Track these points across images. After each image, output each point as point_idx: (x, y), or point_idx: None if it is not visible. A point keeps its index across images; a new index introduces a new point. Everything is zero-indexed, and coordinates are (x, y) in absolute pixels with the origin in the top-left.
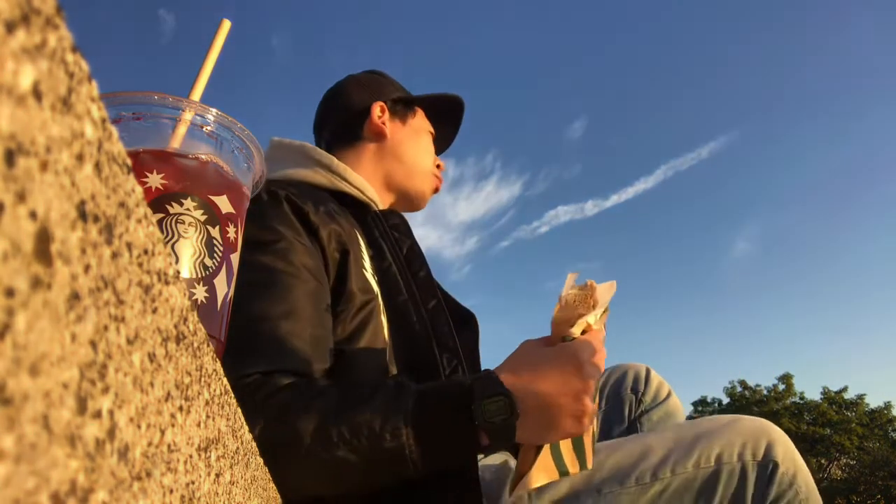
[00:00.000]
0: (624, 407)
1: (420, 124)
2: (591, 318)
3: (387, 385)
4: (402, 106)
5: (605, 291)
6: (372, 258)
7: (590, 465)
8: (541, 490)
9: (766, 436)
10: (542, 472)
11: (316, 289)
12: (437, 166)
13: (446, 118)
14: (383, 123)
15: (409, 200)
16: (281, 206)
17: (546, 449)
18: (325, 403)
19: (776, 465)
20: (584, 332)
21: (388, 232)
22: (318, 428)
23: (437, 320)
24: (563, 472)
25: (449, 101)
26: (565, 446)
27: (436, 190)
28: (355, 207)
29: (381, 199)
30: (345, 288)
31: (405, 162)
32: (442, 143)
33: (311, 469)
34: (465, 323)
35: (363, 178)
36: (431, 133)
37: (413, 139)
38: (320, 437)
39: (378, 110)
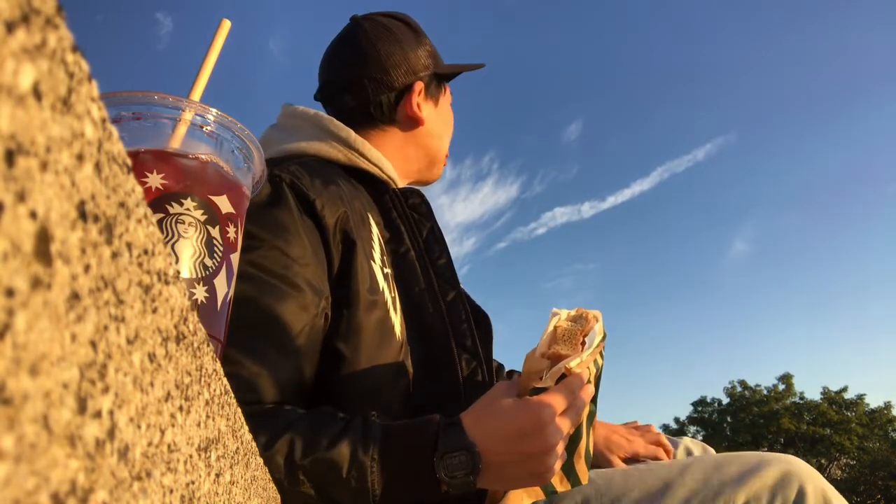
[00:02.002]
0: None
1: (448, 100)
2: (574, 362)
3: (353, 426)
4: (437, 83)
5: (597, 331)
6: (387, 242)
7: (584, 481)
8: None
9: (795, 483)
10: (521, 495)
11: (310, 301)
12: None
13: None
14: (419, 108)
15: (418, 185)
16: (282, 195)
17: None
18: (291, 439)
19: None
20: (562, 377)
21: (408, 213)
22: (287, 465)
23: (455, 315)
24: (551, 492)
25: (471, 69)
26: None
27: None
28: (372, 185)
29: (397, 178)
30: (349, 287)
31: (430, 152)
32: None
33: (279, 492)
34: (480, 324)
35: (382, 154)
36: (451, 103)
37: (443, 123)
38: (288, 474)
39: (417, 92)
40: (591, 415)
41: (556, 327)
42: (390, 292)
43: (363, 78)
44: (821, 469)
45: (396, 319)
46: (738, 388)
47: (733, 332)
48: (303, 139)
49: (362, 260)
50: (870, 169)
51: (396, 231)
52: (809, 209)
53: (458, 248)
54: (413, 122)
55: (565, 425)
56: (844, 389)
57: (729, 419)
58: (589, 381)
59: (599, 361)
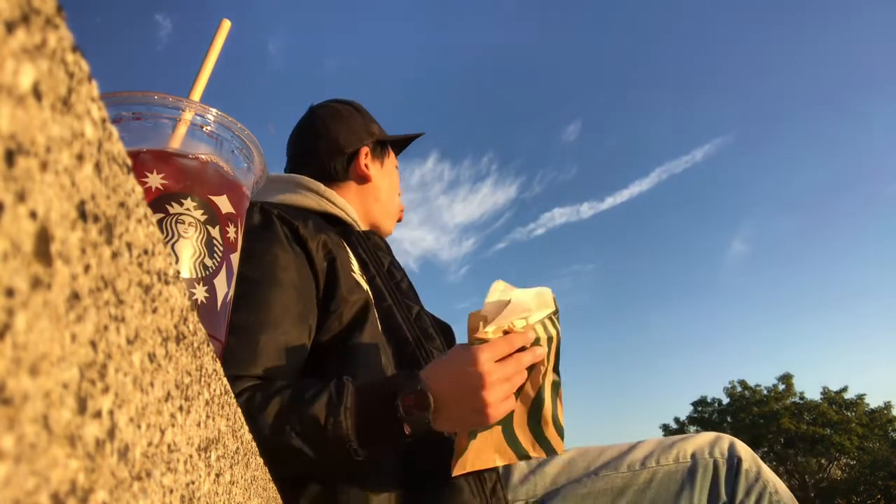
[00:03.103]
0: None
1: (392, 163)
2: (518, 322)
3: (330, 385)
4: (381, 148)
5: (528, 299)
6: (360, 266)
7: (560, 451)
8: (543, 472)
9: (726, 440)
10: (492, 455)
11: (294, 300)
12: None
13: (403, 143)
14: (367, 167)
15: (378, 231)
16: (272, 223)
17: (484, 435)
18: (280, 401)
19: (740, 461)
20: (506, 333)
21: (371, 250)
22: (274, 422)
23: (420, 323)
24: (523, 456)
25: (413, 138)
26: (521, 433)
27: (398, 220)
28: (340, 227)
29: (360, 222)
30: (336, 291)
31: (382, 203)
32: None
33: (272, 456)
34: (445, 332)
35: (346, 202)
36: (397, 167)
37: (389, 181)
38: (276, 429)
39: (364, 155)
40: (556, 384)
41: (486, 305)
42: (371, 294)
43: (319, 148)
44: (821, 469)
45: (377, 318)
46: (738, 388)
47: (733, 332)
48: (280, 193)
49: (343, 270)
50: (868, 170)
51: (363, 263)
52: (808, 210)
53: (458, 249)
54: (363, 179)
55: (504, 370)
56: (844, 389)
57: (729, 419)
58: (539, 343)
59: (552, 329)
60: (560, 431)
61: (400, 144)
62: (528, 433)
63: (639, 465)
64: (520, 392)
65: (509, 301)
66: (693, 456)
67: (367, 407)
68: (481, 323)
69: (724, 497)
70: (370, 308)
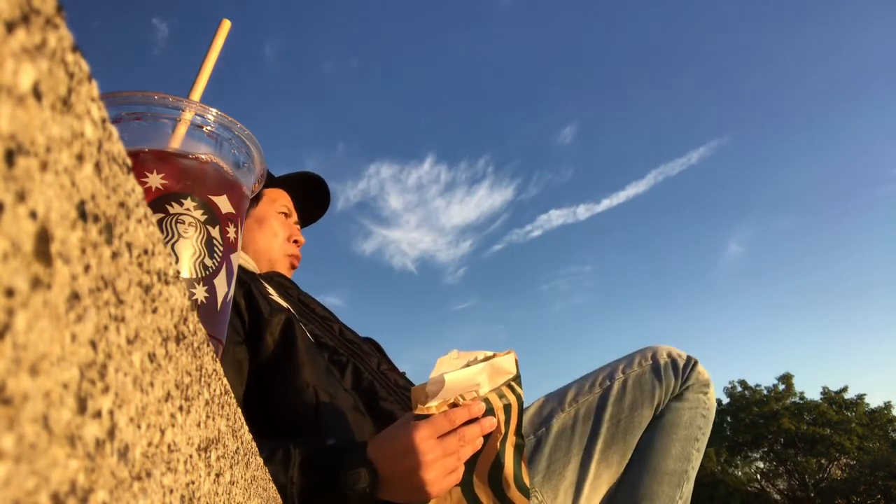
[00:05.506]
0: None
1: (265, 210)
2: (468, 395)
3: (278, 452)
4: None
5: (474, 374)
6: (276, 291)
7: None
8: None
9: (675, 348)
10: None
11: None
12: (296, 241)
13: (313, 189)
14: None
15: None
16: None
17: (443, 495)
18: None
19: (696, 364)
20: (454, 405)
21: (276, 288)
22: None
23: (345, 334)
24: None
25: (306, 178)
26: (482, 493)
27: (293, 267)
28: (247, 272)
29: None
30: (260, 317)
31: (254, 251)
32: (314, 213)
33: None
34: (367, 342)
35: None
36: (285, 213)
37: (256, 230)
38: None
39: None
40: (519, 447)
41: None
42: (293, 310)
43: None
44: (821, 469)
45: (304, 329)
46: (738, 388)
47: (732, 332)
48: None
49: (260, 297)
50: (865, 170)
51: (277, 291)
52: (804, 211)
53: (455, 251)
54: None
55: (445, 446)
56: (844, 389)
57: (729, 419)
58: (492, 413)
59: (510, 396)
60: (525, 492)
61: (289, 185)
62: (490, 493)
63: (608, 380)
64: (474, 459)
65: (458, 370)
66: (653, 358)
67: (311, 479)
68: (424, 397)
69: (678, 384)
70: (294, 322)
